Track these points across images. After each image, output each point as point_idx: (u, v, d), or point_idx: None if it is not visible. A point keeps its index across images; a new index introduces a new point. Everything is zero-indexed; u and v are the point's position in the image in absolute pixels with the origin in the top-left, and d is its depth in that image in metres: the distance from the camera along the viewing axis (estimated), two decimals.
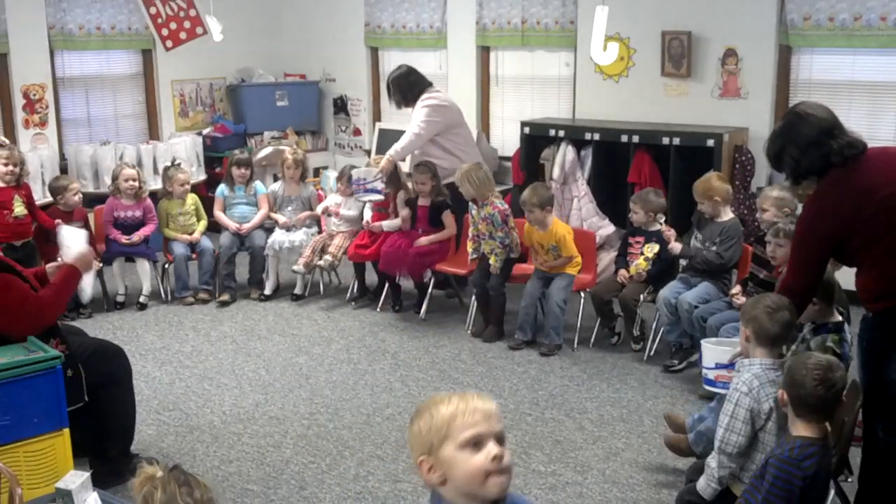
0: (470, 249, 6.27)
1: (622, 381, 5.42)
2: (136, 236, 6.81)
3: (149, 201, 7.05)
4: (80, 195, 6.79)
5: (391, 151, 6.68)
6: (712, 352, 4.11)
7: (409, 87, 6.81)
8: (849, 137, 3.33)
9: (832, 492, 3.25)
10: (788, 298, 3.41)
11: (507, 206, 6.13)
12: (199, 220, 7.09)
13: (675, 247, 5.59)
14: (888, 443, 3.33)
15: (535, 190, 5.91)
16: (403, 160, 6.94)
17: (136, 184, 6.88)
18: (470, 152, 6.88)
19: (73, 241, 4.54)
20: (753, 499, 2.91)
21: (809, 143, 3.33)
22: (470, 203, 6.22)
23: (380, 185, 6.71)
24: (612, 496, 4.09)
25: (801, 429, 2.94)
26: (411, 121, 6.72)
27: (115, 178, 6.97)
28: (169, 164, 7.30)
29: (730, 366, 3.89)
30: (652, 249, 5.74)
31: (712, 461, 3.31)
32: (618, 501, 4.04)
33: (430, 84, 6.87)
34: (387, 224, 6.72)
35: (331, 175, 8.50)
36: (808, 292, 3.51)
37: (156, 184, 8.11)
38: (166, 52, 8.90)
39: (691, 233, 5.67)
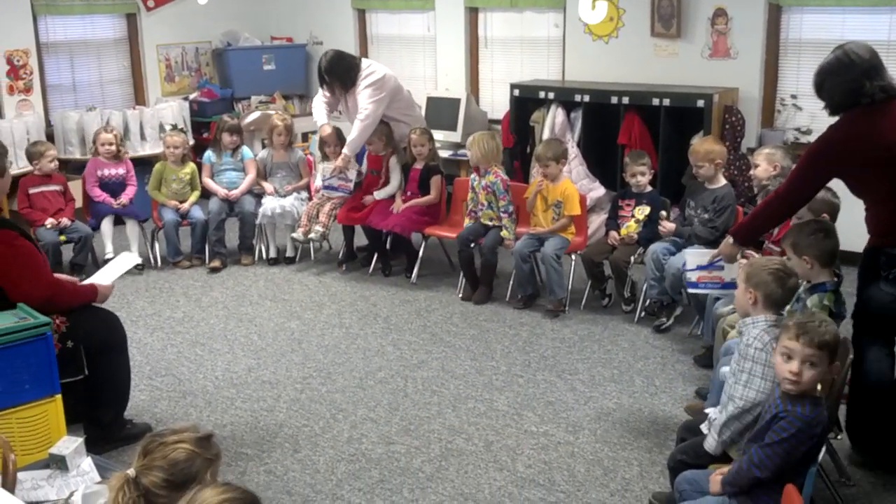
0: (467, 222, 6.24)
1: (613, 342, 5.45)
2: (124, 198, 6.86)
3: (129, 162, 7.11)
4: (57, 161, 6.72)
5: (346, 149, 6.62)
6: (693, 256, 4.73)
7: (345, 71, 6.60)
8: (884, 82, 3.59)
9: (823, 448, 3.27)
10: (774, 201, 3.92)
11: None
12: (192, 191, 7.07)
13: (669, 226, 5.50)
14: (877, 372, 3.66)
15: (549, 144, 6.11)
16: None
17: (114, 148, 6.92)
18: (413, 115, 6.91)
19: (116, 267, 4.53)
20: (757, 456, 2.88)
21: (847, 79, 3.59)
22: (472, 174, 6.22)
23: (336, 182, 6.78)
24: (603, 455, 4.12)
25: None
26: (358, 106, 6.53)
27: (94, 141, 7.06)
28: (169, 126, 7.27)
29: (709, 266, 4.57)
30: (643, 212, 5.74)
31: (720, 417, 3.25)
32: (609, 461, 4.08)
33: (359, 60, 6.74)
34: (378, 193, 6.71)
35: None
36: (794, 205, 3.91)
37: (143, 150, 8.11)
38: (151, 17, 8.77)
39: (684, 201, 5.63)
